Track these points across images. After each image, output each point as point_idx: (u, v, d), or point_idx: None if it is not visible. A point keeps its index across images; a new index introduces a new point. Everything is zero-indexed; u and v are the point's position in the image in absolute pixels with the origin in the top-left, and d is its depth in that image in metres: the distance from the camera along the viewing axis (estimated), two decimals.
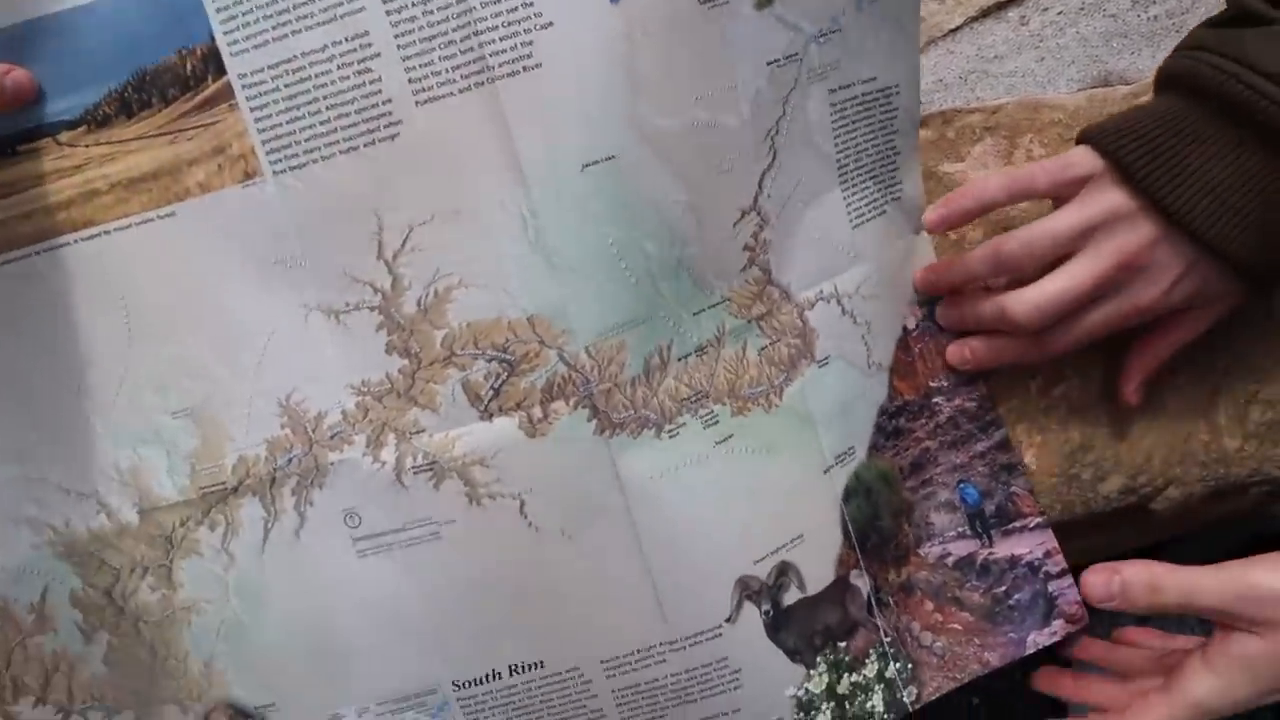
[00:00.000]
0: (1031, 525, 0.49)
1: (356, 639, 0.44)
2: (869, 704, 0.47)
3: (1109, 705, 0.45)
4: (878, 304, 0.47)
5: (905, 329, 0.48)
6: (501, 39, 0.38)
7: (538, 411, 0.43)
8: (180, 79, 0.40)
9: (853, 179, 0.46)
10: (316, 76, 0.39)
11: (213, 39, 0.39)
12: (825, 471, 0.47)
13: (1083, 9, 0.52)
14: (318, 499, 0.43)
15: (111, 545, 0.43)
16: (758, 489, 0.45)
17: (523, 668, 0.45)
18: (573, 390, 0.43)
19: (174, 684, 0.44)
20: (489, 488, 0.43)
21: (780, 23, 0.43)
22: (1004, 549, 0.49)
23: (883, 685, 0.47)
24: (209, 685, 0.44)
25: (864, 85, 0.45)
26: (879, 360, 0.48)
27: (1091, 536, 0.51)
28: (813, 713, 0.47)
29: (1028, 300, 0.43)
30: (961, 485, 0.49)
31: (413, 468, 0.43)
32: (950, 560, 0.48)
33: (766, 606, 0.45)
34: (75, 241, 0.41)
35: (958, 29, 0.51)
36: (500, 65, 0.39)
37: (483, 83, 0.39)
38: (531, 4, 0.38)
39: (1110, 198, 0.42)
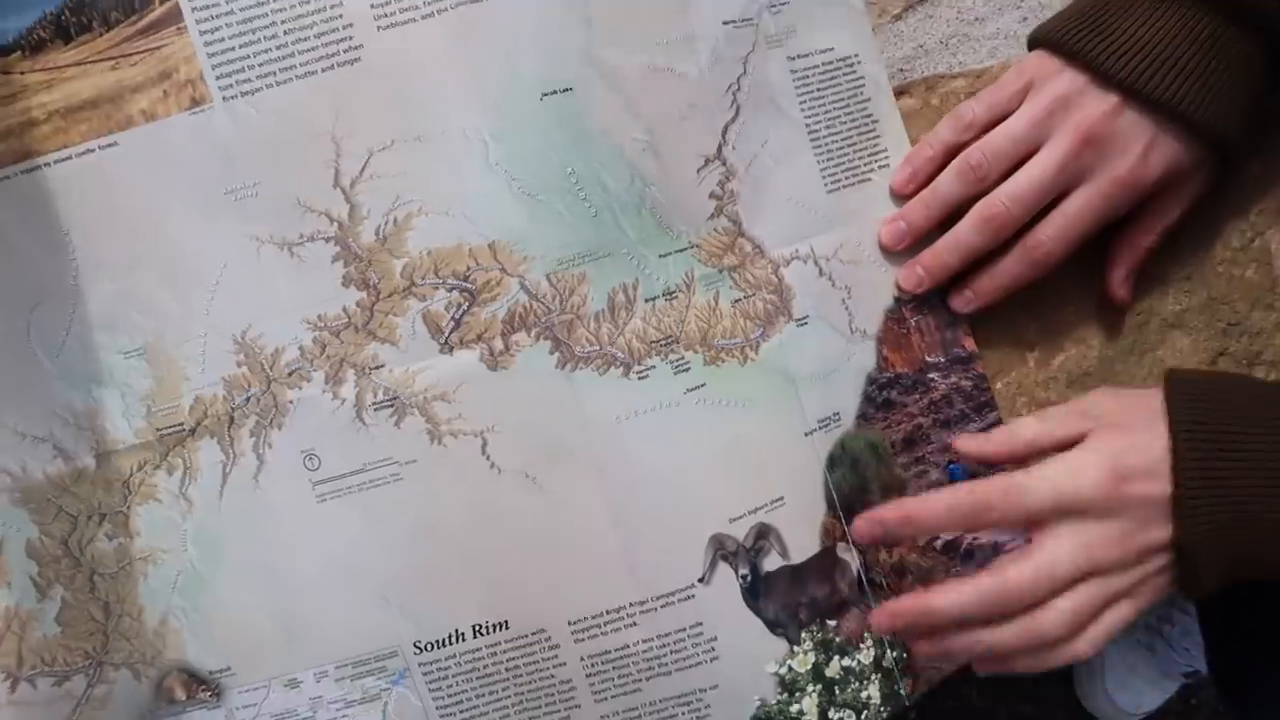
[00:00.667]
0: None
1: (315, 592, 0.42)
2: (863, 693, 0.45)
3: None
4: (859, 270, 0.46)
5: (898, 299, 0.47)
6: None
7: (499, 343, 0.41)
8: (123, 2, 0.39)
9: (826, 144, 0.46)
10: (274, 1, 0.39)
11: None
12: (807, 435, 0.45)
13: None
14: (276, 440, 0.42)
15: (69, 491, 0.42)
16: (733, 443, 0.44)
17: (487, 628, 0.43)
18: (534, 321, 0.42)
19: (128, 646, 0.42)
20: (451, 424, 0.41)
21: None
22: (986, 534, 0.47)
23: (879, 675, 0.46)
24: (164, 646, 0.42)
25: (822, 55, 0.46)
26: (863, 327, 0.46)
27: None
28: (797, 694, 0.45)
29: (1001, 193, 0.43)
30: (950, 466, 0.47)
31: (373, 404, 0.41)
32: (939, 544, 0.47)
33: (744, 570, 0.44)
34: (14, 174, 0.40)
35: None
36: None
37: (445, 9, 0.40)
38: None
39: (1055, 84, 0.43)
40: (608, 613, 0.43)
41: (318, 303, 0.41)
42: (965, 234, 0.44)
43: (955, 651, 0.41)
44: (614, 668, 0.44)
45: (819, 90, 0.46)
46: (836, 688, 0.45)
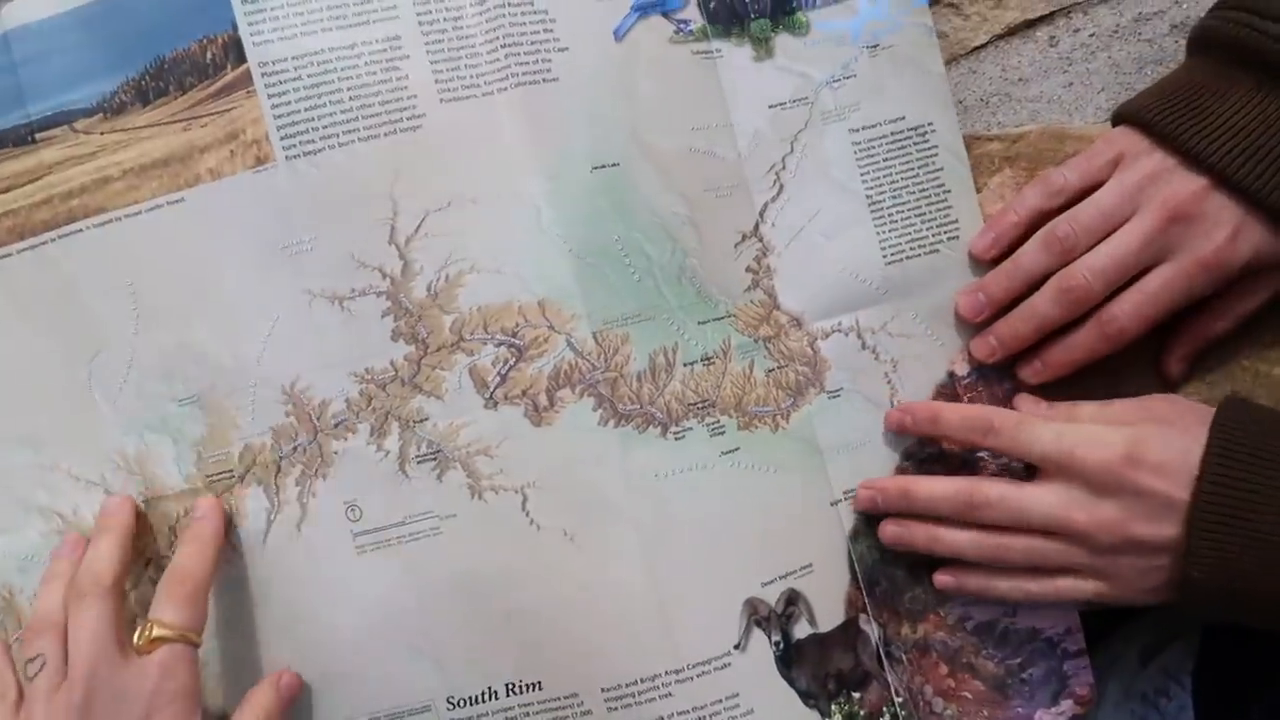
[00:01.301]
0: None
1: (350, 643, 0.42)
2: None
3: None
4: (910, 343, 0.46)
5: (953, 374, 0.46)
6: (525, 54, 0.42)
7: (544, 399, 0.42)
8: (199, 67, 0.41)
9: (889, 215, 0.46)
10: (342, 70, 0.41)
11: (235, 29, 0.41)
12: (832, 504, 0.45)
13: (1116, 32, 0.49)
14: (320, 489, 0.42)
15: None
16: (765, 506, 0.44)
17: (520, 688, 0.43)
18: (579, 378, 0.43)
19: None
20: (492, 480, 0.42)
21: (783, 72, 0.46)
22: (1026, 620, 0.46)
23: None
24: (203, 692, 0.43)
25: (891, 124, 0.46)
26: (906, 401, 0.46)
27: None
28: None
29: (1082, 265, 0.42)
30: None
31: (416, 457, 0.42)
32: (970, 625, 0.46)
33: (777, 637, 0.44)
34: (87, 228, 0.41)
35: (982, 47, 0.49)
36: (523, 74, 0.42)
37: (505, 88, 0.42)
38: (551, 30, 0.43)
39: (1146, 161, 0.42)
40: (642, 680, 0.42)
41: (366, 356, 0.42)
42: (1043, 305, 0.43)
43: (916, 539, 0.44)
44: None
45: (885, 160, 0.46)
46: None
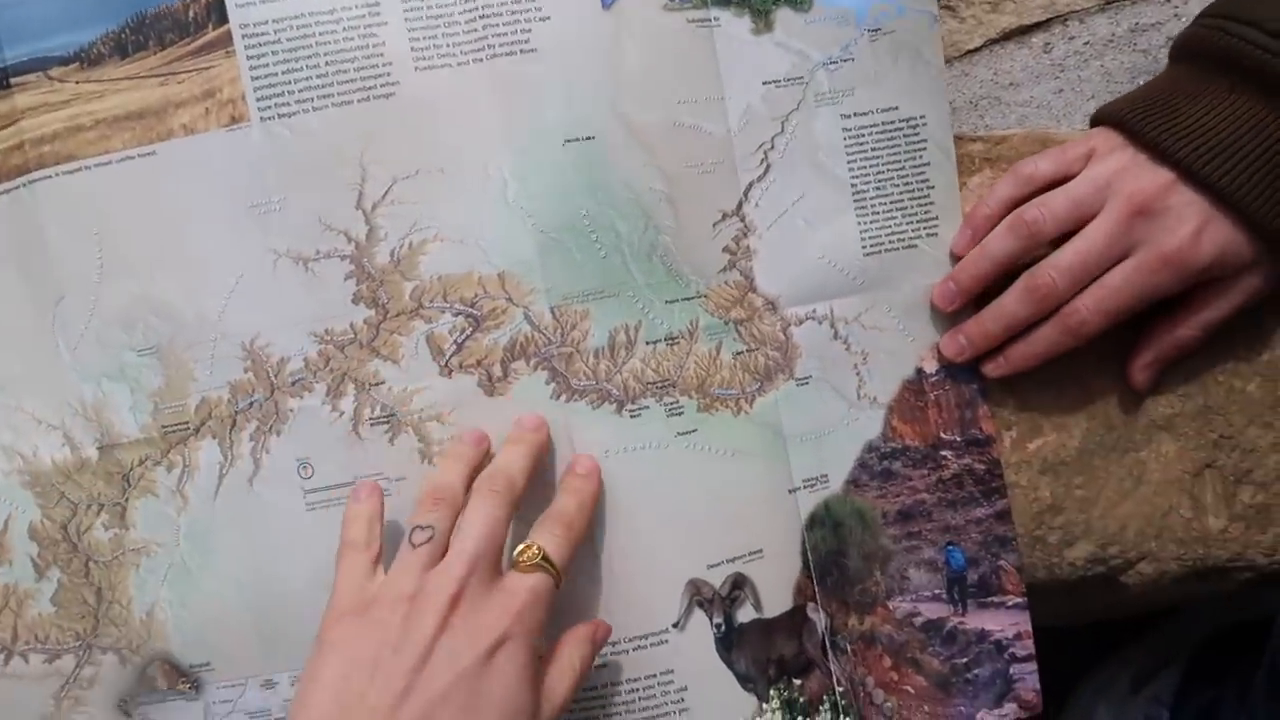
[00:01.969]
0: (1010, 604, 0.47)
1: (296, 598, 0.43)
2: None
3: None
4: (881, 337, 0.46)
5: (922, 371, 0.46)
6: (504, 24, 0.42)
7: (498, 370, 0.43)
8: (180, 24, 0.42)
9: (872, 206, 0.46)
10: (320, 34, 0.41)
11: None
12: (790, 492, 0.46)
13: (1111, 41, 0.48)
14: (274, 446, 0.43)
15: (71, 479, 0.43)
16: (718, 490, 0.45)
17: None
18: (534, 351, 0.43)
19: (116, 631, 0.43)
20: (443, 445, 0.43)
21: (781, 48, 0.45)
22: (975, 621, 0.46)
23: None
24: (149, 636, 0.43)
25: (883, 114, 0.46)
26: (873, 394, 0.46)
27: (1054, 602, 0.48)
28: None
29: (1047, 264, 0.43)
30: (949, 547, 0.47)
31: (370, 419, 0.43)
32: (919, 621, 0.46)
33: (719, 619, 0.44)
34: (56, 175, 0.42)
35: (976, 50, 0.48)
36: (500, 45, 0.42)
37: (481, 59, 0.42)
38: None
39: (1118, 155, 0.43)
40: None
41: (326, 317, 0.43)
42: (1010, 304, 0.44)
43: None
44: (580, 708, 0.43)
45: (873, 150, 0.45)
46: None
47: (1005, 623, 0.46)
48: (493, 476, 0.39)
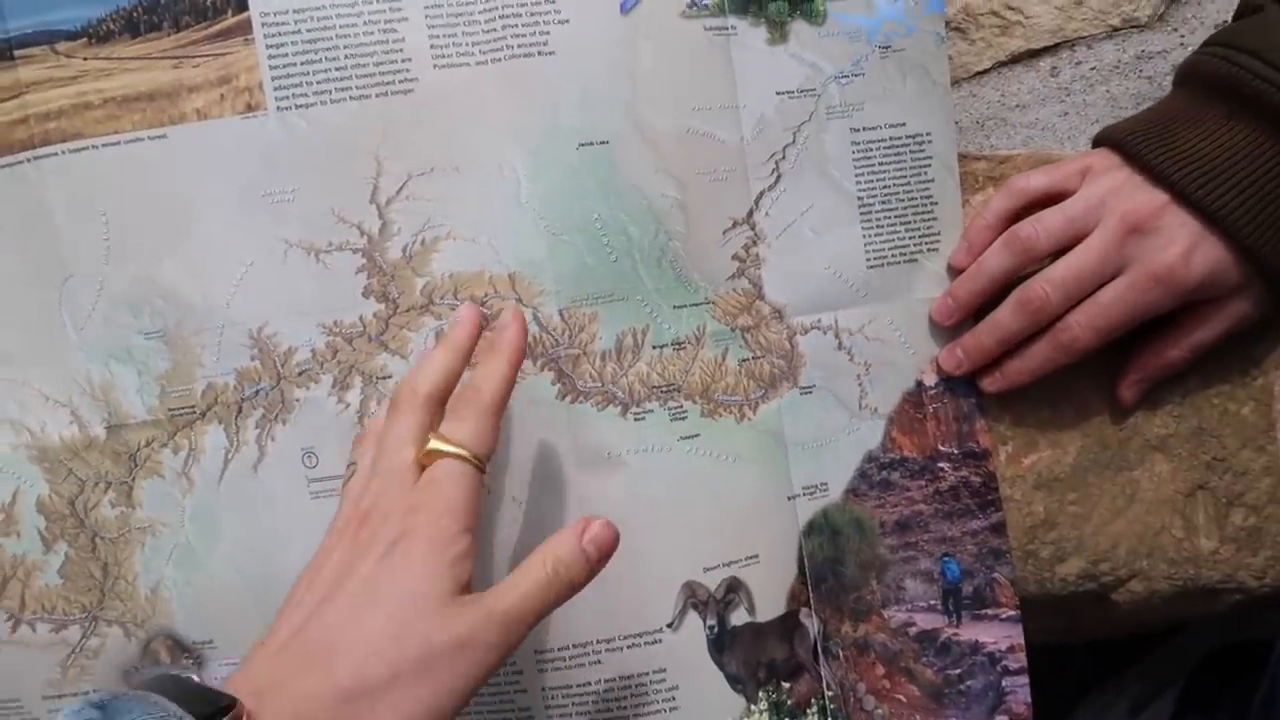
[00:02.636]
0: (1004, 616, 0.47)
1: None
2: None
3: None
4: (884, 349, 0.47)
5: (921, 384, 0.47)
6: (523, 25, 0.42)
7: None
8: (197, 8, 0.41)
9: (877, 219, 0.46)
10: (340, 27, 0.41)
11: None
12: (789, 499, 0.46)
13: (1118, 67, 0.49)
14: (279, 434, 0.43)
15: (79, 456, 0.44)
16: (717, 495, 0.45)
17: None
18: (542, 351, 0.43)
19: (121, 606, 0.44)
20: None
21: (795, 59, 0.45)
22: (969, 633, 0.47)
23: None
24: (154, 612, 0.44)
25: (891, 129, 0.46)
26: (874, 405, 0.47)
27: (1045, 618, 0.49)
28: None
29: (1040, 278, 0.43)
30: (945, 558, 0.48)
31: (375, 412, 0.43)
32: (913, 630, 0.47)
33: (712, 621, 0.45)
34: (62, 152, 0.42)
35: (984, 72, 0.49)
36: (518, 46, 0.42)
37: (500, 59, 0.42)
38: (554, 2, 0.42)
39: (1113, 175, 0.43)
40: (574, 646, 0.44)
41: (336, 309, 0.43)
42: (1004, 318, 0.44)
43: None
44: (574, 704, 0.44)
45: (880, 164, 0.46)
46: None
47: (999, 635, 0.47)
48: (395, 396, 0.37)
